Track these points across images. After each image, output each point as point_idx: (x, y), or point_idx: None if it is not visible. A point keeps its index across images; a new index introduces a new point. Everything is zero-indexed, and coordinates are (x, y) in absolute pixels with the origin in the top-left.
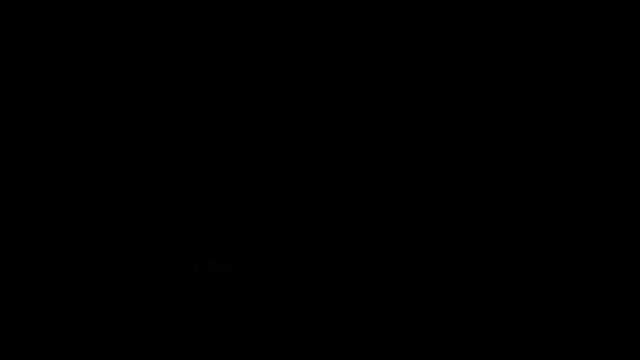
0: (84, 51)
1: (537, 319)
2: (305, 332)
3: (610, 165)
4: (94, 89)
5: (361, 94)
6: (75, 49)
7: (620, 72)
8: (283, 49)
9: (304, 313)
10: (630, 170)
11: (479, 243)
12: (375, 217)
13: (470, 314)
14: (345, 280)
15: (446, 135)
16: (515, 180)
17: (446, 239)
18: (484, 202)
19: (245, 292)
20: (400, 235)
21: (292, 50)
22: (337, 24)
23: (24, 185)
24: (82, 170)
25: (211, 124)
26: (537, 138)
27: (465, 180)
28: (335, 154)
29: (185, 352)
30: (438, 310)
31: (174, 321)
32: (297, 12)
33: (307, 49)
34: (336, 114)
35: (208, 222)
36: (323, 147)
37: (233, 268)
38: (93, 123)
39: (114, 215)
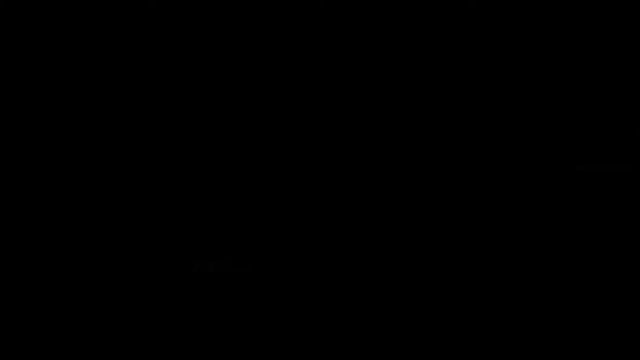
0: (84, 51)
1: (537, 319)
2: (305, 332)
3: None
4: (94, 89)
5: (361, 94)
6: (75, 49)
7: (620, 72)
8: (283, 49)
9: (303, 313)
10: (630, 169)
11: (479, 243)
12: (375, 217)
13: (470, 314)
14: (345, 280)
15: (446, 135)
16: (515, 179)
17: (446, 239)
18: (483, 201)
19: (245, 292)
20: (400, 235)
21: (292, 50)
22: (337, 24)
23: (24, 185)
24: (82, 170)
25: (211, 124)
26: (537, 138)
27: (465, 181)
28: (335, 154)
29: (186, 352)
30: (438, 310)
31: (174, 321)
32: (297, 12)
33: (307, 49)
34: (336, 114)
35: (208, 222)
36: (323, 147)
37: (233, 268)
38: (93, 123)
39: (114, 215)
